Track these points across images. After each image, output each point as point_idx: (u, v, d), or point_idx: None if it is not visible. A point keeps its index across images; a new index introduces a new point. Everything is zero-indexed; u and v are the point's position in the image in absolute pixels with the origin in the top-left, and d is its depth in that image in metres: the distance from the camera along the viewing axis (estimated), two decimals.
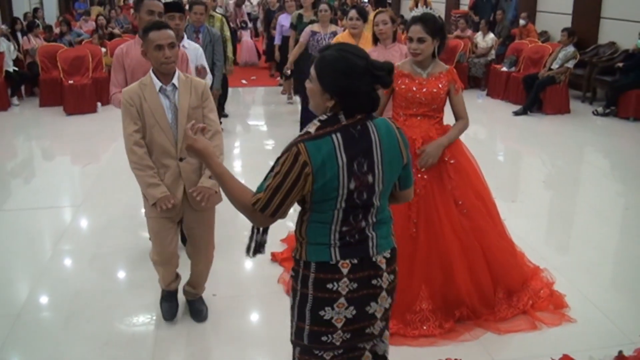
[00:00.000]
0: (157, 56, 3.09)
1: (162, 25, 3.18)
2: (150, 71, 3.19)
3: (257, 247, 2.21)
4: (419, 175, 3.37)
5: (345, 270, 2.07)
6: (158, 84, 3.15)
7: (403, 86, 3.39)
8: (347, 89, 1.99)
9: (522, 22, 11.38)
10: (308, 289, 2.10)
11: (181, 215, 3.35)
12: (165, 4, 4.22)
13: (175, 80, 3.18)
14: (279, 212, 2.03)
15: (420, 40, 3.27)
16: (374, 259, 2.11)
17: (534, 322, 3.48)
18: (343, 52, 2.02)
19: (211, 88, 5.83)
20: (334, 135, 1.99)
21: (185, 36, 4.79)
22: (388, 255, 2.16)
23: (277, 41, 9.33)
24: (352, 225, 2.07)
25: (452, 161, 3.46)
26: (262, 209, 2.01)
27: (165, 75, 3.16)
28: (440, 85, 3.38)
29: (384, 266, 2.14)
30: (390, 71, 2.03)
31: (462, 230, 3.44)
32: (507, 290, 3.55)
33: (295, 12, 8.18)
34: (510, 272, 3.59)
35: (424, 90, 3.37)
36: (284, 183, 1.98)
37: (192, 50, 4.52)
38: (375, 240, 2.12)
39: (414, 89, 3.37)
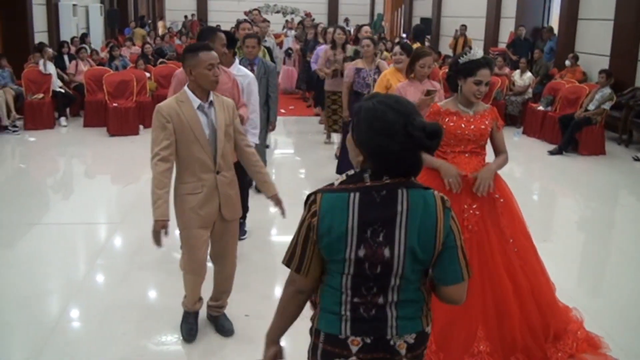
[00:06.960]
0: (208, 74, 3.25)
1: (210, 47, 3.41)
2: (186, 88, 3.34)
3: None
4: (471, 212, 3.38)
5: (354, 348, 1.83)
6: (196, 101, 3.30)
7: (452, 123, 3.45)
8: (374, 147, 1.78)
9: (567, 63, 11.37)
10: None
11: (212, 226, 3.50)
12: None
13: (211, 98, 3.35)
14: (303, 268, 1.86)
15: (488, 84, 3.41)
16: (391, 342, 1.83)
17: None
18: (382, 104, 1.78)
19: (268, 120, 5.98)
20: (352, 194, 1.78)
21: (238, 61, 5.07)
22: (412, 341, 1.85)
23: (313, 67, 9.35)
24: (365, 298, 1.82)
25: (502, 200, 3.48)
26: (286, 263, 1.90)
27: (204, 93, 3.32)
28: (486, 122, 3.49)
29: (403, 351, 1.84)
30: (432, 134, 1.74)
31: (513, 269, 3.40)
32: (554, 333, 3.47)
33: (351, 47, 8.25)
34: (555, 314, 3.53)
35: (472, 127, 3.46)
36: (299, 233, 1.86)
37: (242, 77, 4.80)
38: (395, 320, 1.83)
39: (463, 125, 3.45)
